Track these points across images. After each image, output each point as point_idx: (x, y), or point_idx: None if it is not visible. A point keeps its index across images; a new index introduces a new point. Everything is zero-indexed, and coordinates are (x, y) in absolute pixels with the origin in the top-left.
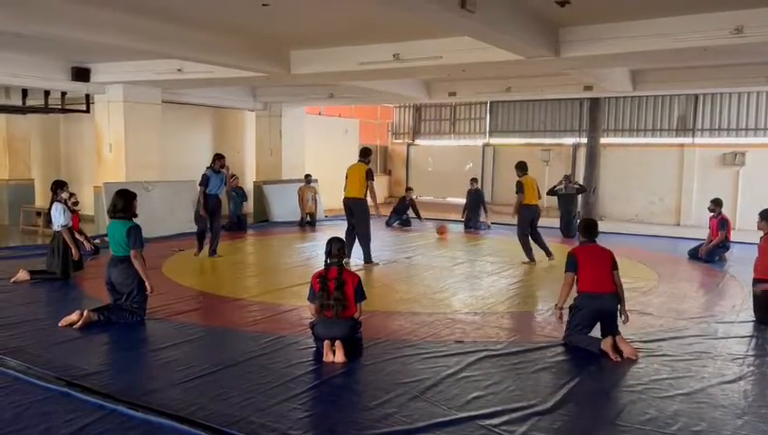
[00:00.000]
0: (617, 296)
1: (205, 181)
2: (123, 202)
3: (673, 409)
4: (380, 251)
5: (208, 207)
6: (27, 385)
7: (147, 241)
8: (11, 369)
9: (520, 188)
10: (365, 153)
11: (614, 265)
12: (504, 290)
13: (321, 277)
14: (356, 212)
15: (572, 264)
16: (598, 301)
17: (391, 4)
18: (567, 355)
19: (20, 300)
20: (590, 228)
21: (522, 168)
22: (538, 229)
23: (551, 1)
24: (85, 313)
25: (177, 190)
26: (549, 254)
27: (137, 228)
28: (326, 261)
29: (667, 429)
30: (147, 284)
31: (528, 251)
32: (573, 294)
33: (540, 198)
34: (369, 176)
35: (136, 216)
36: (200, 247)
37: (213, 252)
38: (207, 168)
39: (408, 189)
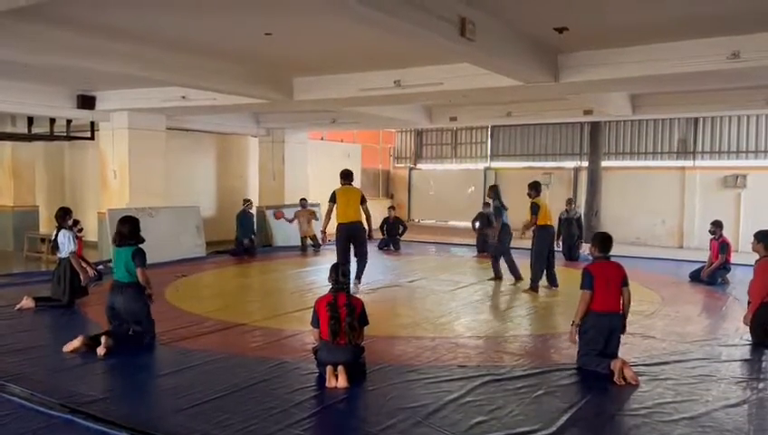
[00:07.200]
0: (622, 316)
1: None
2: (129, 228)
3: (677, 433)
4: (382, 275)
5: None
6: (31, 412)
7: (150, 266)
8: (15, 396)
9: (535, 209)
10: (349, 176)
11: (625, 282)
12: (506, 314)
13: (331, 304)
14: (359, 236)
15: (589, 281)
16: (606, 320)
17: (391, 32)
18: (571, 379)
19: (24, 327)
20: (606, 242)
21: (536, 188)
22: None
23: (549, 28)
24: (82, 338)
25: (181, 216)
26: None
27: (141, 251)
28: (334, 287)
29: None
30: (149, 291)
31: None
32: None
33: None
34: (364, 200)
35: (143, 241)
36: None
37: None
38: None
39: (391, 208)
